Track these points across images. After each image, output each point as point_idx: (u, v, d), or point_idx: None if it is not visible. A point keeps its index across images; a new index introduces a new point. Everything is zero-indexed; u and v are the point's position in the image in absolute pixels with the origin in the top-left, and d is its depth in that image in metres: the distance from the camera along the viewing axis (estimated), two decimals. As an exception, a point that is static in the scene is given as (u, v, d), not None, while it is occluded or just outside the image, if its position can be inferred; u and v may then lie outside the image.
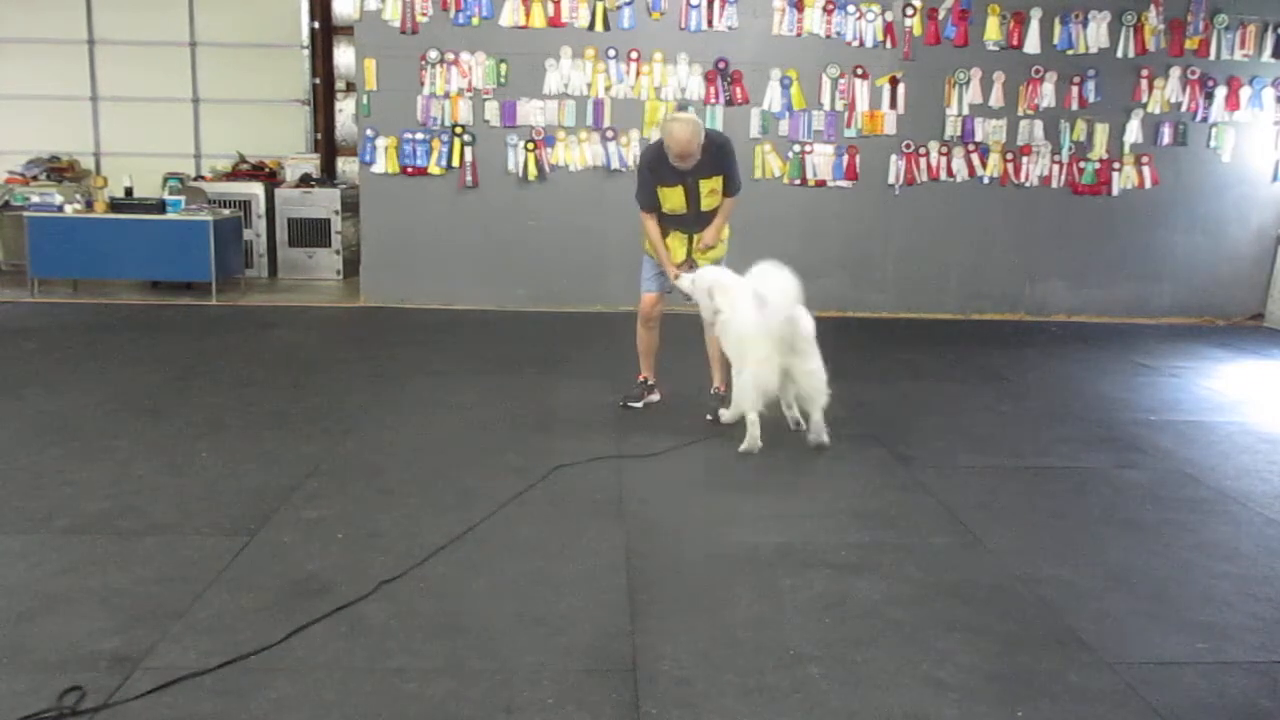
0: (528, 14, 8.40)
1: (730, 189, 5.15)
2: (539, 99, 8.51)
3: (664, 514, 3.95)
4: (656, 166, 5.03)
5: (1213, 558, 3.66)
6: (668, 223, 5.20)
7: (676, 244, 5.24)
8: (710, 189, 5.09)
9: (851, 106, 8.67)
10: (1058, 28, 8.66)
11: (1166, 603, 3.27)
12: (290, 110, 11.17)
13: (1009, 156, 8.82)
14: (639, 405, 5.42)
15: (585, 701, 2.58)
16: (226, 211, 9.27)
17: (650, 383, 5.49)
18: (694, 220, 5.17)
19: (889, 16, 8.57)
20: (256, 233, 9.98)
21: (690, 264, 5.18)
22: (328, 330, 7.81)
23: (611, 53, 8.45)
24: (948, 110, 8.72)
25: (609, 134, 8.56)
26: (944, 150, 8.78)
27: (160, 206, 8.64)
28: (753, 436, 4.68)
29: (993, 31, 8.62)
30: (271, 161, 10.50)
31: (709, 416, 5.20)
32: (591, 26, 8.43)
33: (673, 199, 5.08)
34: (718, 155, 5.04)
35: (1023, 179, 8.87)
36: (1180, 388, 6.48)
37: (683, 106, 8.43)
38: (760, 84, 8.59)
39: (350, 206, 9.78)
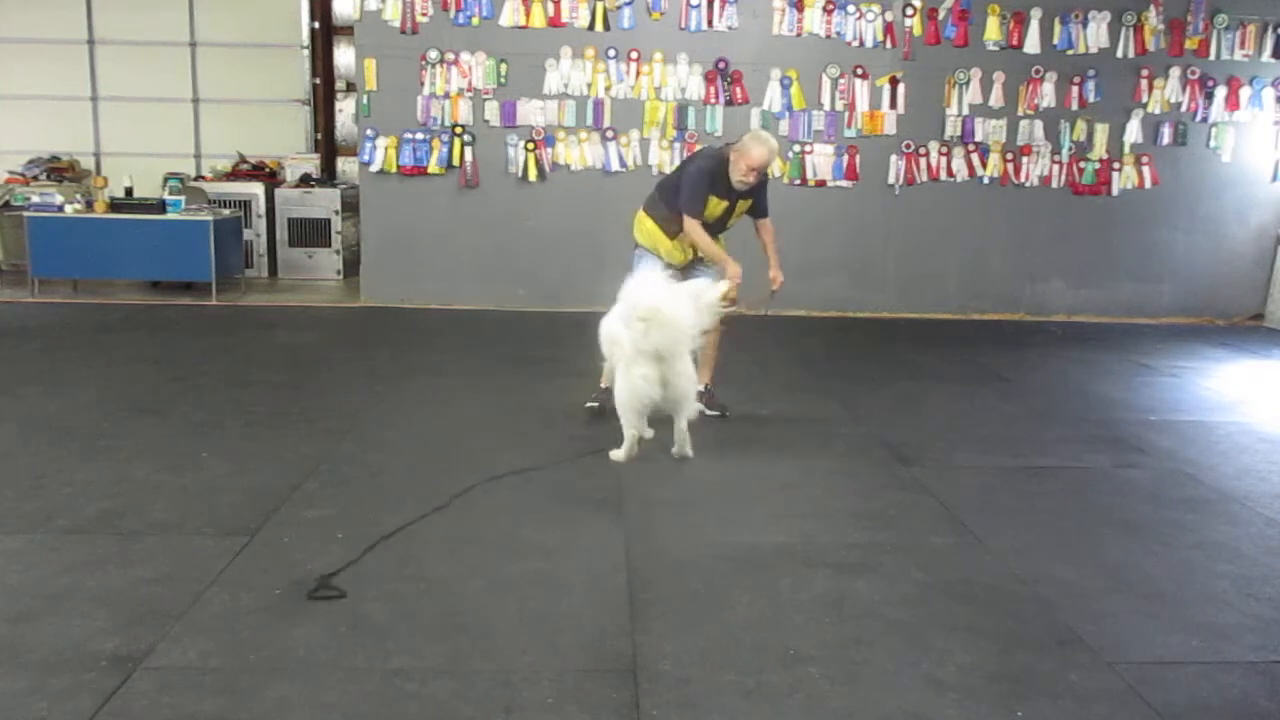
0: (528, 14, 8.40)
1: (765, 212, 5.20)
2: (539, 99, 8.51)
3: (664, 514, 3.95)
4: (718, 178, 4.93)
5: (1213, 558, 3.66)
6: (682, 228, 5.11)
7: (677, 250, 5.16)
8: (743, 209, 5.10)
9: (851, 106, 8.67)
10: (1058, 28, 8.66)
11: (1166, 603, 3.27)
12: (290, 110, 11.17)
13: (1009, 156, 8.82)
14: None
15: (585, 701, 2.58)
16: (226, 211, 9.27)
17: None
18: (712, 231, 5.12)
19: (889, 16, 8.57)
20: (256, 233, 9.98)
21: (698, 262, 5.14)
22: (328, 330, 7.81)
23: (611, 53, 8.45)
24: (948, 110, 8.73)
25: (609, 134, 8.56)
26: (944, 150, 8.78)
27: (160, 206, 8.64)
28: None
29: (993, 31, 8.62)
30: (271, 161, 10.51)
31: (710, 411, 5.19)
32: (591, 26, 8.43)
33: (714, 209, 5.01)
34: (764, 180, 5.06)
35: (1023, 179, 8.87)
36: (1180, 388, 6.48)
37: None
38: (760, 84, 8.59)
39: (350, 206, 9.79)
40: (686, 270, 5.16)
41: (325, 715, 2.49)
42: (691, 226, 4.95)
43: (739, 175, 4.86)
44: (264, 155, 10.56)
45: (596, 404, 5.27)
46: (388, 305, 8.67)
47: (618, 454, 4.53)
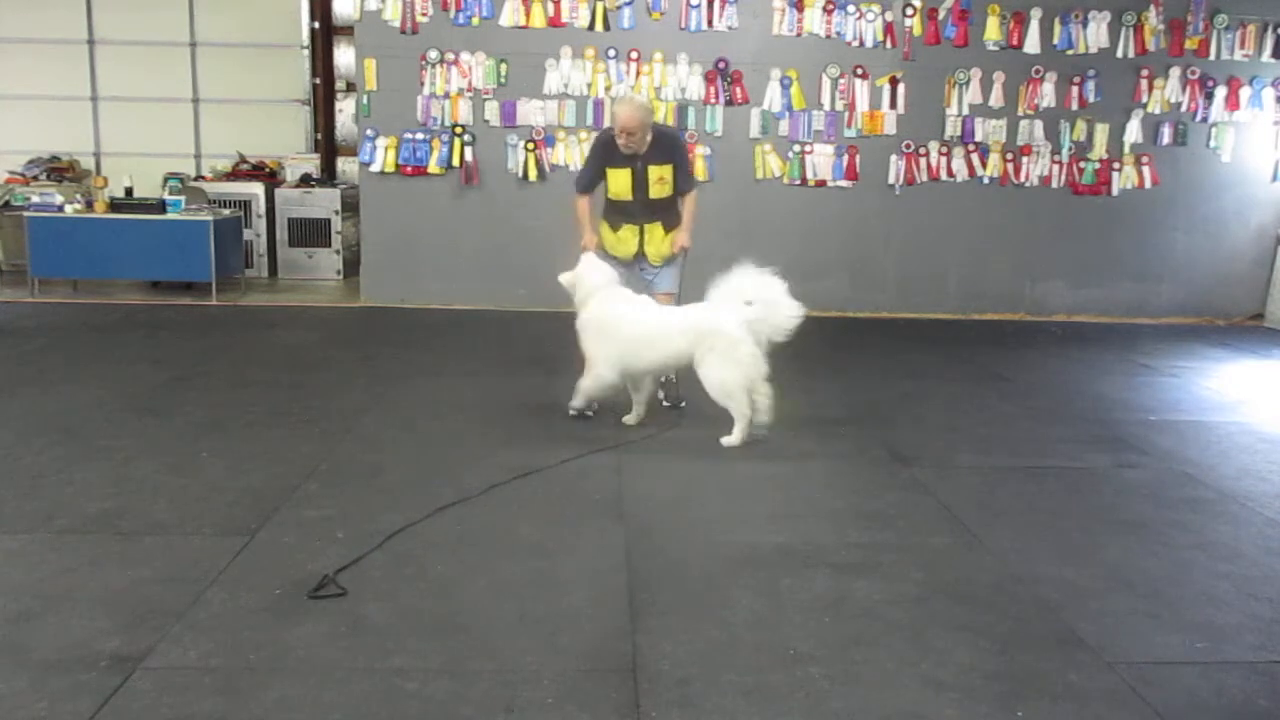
0: (528, 14, 8.40)
1: (683, 184, 5.25)
2: (539, 99, 8.51)
3: (664, 514, 3.95)
4: (609, 146, 5.16)
5: (1213, 558, 3.66)
6: (617, 213, 5.27)
7: (629, 235, 5.27)
8: (659, 177, 5.16)
9: (851, 106, 8.67)
10: (1058, 28, 8.66)
11: (1166, 603, 3.27)
12: (290, 110, 11.17)
13: (1009, 156, 8.82)
14: (590, 413, 5.21)
15: (585, 701, 2.58)
16: (226, 211, 9.27)
17: None
18: (642, 209, 5.21)
19: (889, 16, 8.57)
20: (256, 233, 9.98)
21: (641, 258, 5.27)
22: (328, 330, 7.80)
23: (611, 53, 8.45)
24: (948, 110, 8.73)
25: (609, 134, 8.55)
26: (944, 150, 8.78)
27: (160, 206, 8.64)
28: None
29: (993, 31, 8.63)
30: (271, 161, 10.51)
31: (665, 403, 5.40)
32: (591, 26, 8.44)
33: (619, 180, 5.16)
34: (668, 145, 5.22)
35: (1023, 179, 8.87)
36: (1180, 388, 6.48)
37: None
38: (760, 84, 8.59)
39: (350, 206, 9.79)
40: (631, 264, 5.28)
41: (325, 715, 2.49)
42: (575, 201, 5.37)
43: (621, 141, 5.06)
44: (264, 155, 10.56)
45: (574, 412, 5.21)
46: (388, 305, 8.67)
47: (732, 439, 4.71)
